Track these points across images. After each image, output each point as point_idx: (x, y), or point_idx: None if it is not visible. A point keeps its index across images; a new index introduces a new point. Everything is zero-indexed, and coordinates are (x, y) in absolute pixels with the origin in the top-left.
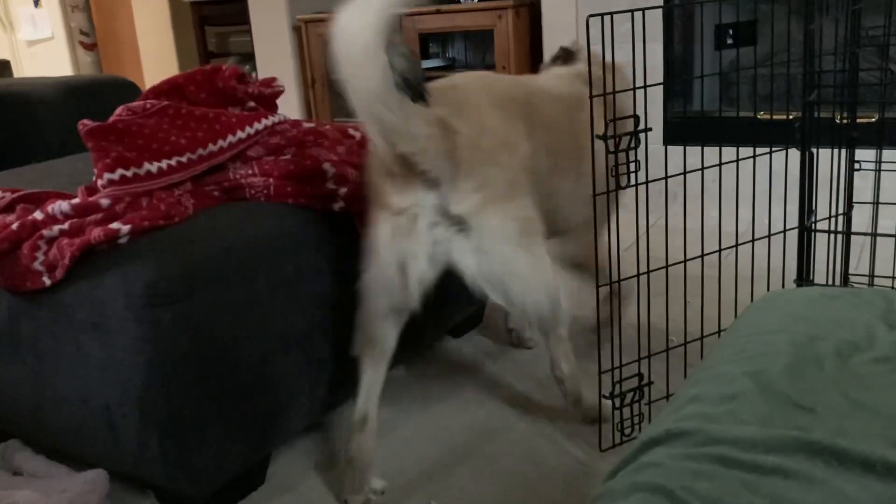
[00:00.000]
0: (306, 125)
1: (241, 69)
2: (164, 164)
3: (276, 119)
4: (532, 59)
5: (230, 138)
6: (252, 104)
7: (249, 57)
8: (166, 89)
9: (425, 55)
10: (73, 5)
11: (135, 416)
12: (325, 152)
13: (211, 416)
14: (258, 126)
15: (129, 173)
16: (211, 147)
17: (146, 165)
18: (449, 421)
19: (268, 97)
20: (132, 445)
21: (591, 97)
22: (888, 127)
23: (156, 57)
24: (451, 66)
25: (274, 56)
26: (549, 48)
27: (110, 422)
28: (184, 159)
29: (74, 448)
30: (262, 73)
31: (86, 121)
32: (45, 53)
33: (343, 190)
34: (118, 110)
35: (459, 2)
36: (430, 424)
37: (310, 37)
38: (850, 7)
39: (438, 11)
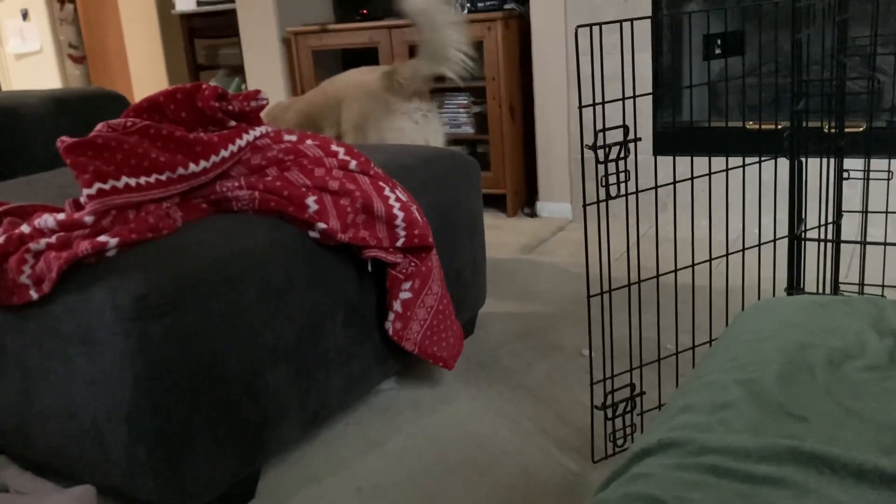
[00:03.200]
0: (287, 138)
1: (221, 88)
2: (142, 179)
3: (256, 133)
4: (521, 70)
5: (213, 158)
6: (233, 123)
7: (239, 69)
8: (146, 107)
9: None
10: (62, 18)
11: (123, 431)
12: (303, 177)
13: (200, 429)
14: (240, 142)
15: (106, 186)
16: (193, 167)
17: (124, 179)
18: (441, 433)
19: (249, 113)
20: (120, 460)
21: (581, 107)
22: (875, 136)
23: (145, 70)
24: (440, 78)
25: (263, 68)
26: (538, 59)
27: (98, 436)
28: (163, 177)
29: (62, 463)
30: (252, 85)
31: (64, 137)
32: (34, 66)
33: (321, 226)
34: (98, 126)
35: None
36: (422, 436)
37: (299, 49)
38: (836, 17)
39: None
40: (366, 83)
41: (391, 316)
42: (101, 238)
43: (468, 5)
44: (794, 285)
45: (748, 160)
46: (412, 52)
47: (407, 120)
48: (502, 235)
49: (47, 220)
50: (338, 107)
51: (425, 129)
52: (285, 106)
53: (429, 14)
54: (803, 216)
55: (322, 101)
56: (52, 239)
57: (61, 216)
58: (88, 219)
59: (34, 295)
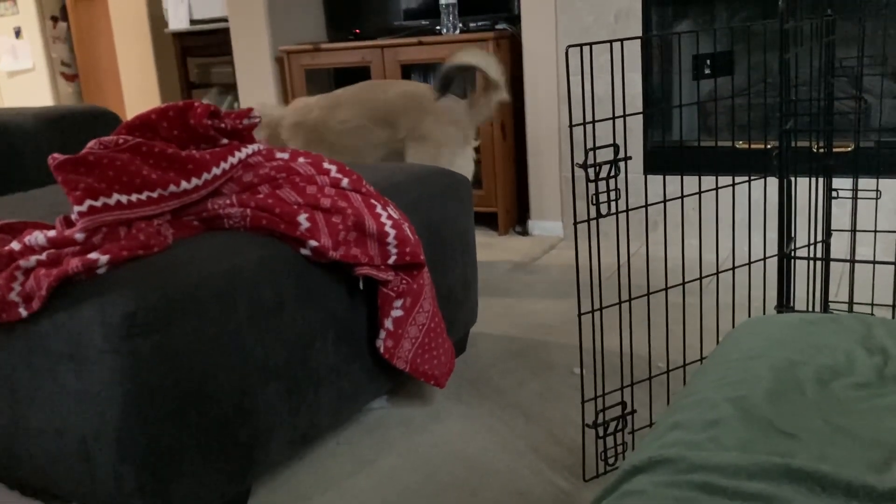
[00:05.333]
0: (279, 155)
1: (214, 106)
2: (133, 197)
3: (248, 151)
4: (513, 89)
5: (205, 176)
6: (225, 141)
7: (231, 88)
8: (139, 125)
9: None
10: (55, 36)
11: (112, 449)
12: (295, 195)
13: (189, 448)
14: (232, 160)
15: (97, 203)
16: (184, 185)
17: (116, 196)
18: (432, 451)
19: (241, 131)
20: (109, 479)
21: (572, 126)
22: (863, 156)
23: (137, 88)
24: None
25: (256, 87)
26: (530, 78)
27: (86, 455)
28: (154, 194)
29: (49, 483)
30: (245, 103)
31: (56, 154)
32: (26, 84)
33: (313, 243)
34: (90, 144)
35: (441, 33)
36: (413, 455)
37: (292, 68)
38: (823, 39)
39: (420, 43)
40: (455, 110)
41: (382, 334)
42: (92, 255)
43: (460, 25)
44: (784, 303)
45: (738, 179)
46: (404, 71)
47: (472, 151)
48: (494, 253)
49: (37, 237)
50: (422, 115)
51: (472, 163)
52: (321, 106)
53: (488, 61)
54: (793, 235)
55: (403, 104)
56: (43, 256)
57: (52, 233)
58: (79, 236)
59: (23, 312)
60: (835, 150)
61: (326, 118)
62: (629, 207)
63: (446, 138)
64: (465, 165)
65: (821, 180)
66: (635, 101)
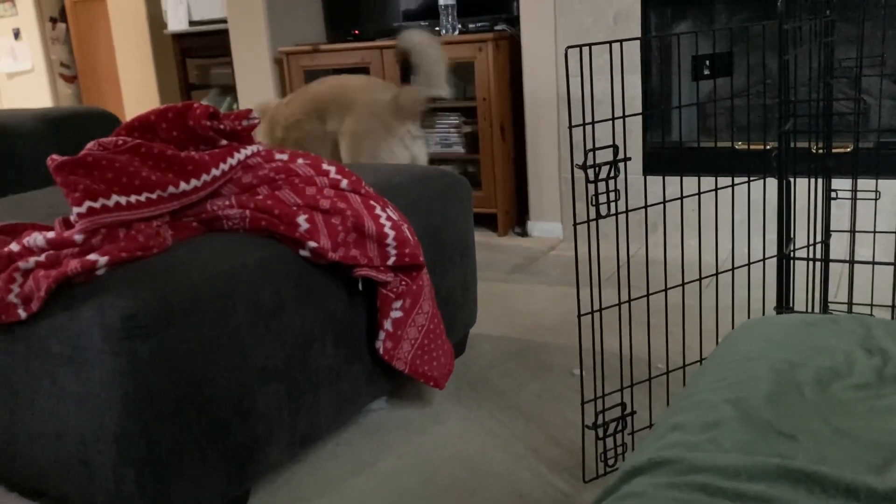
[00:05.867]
0: (278, 157)
1: (213, 107)
2: (132, 198)
3: (248, 152)
4: (512, 90)
5: (204, 177)
6: (224, 142)
7: (231, 89)
8: (138, 126)
9: None
10: (54, 38)
11: (111, 451)
12: (294, 196)
13: (189, 450)
14: (231, 161)
15: (96, 205)
16: (184, 186)
17: (115, 197)
18: (431, 453)
19: (240, 132)
20: (108, 481)
21: (571, 127)
22: (862, 157)
23: (137, 89)
24: (431, 98)
25: (255, 88)
26: (529, 79)
27: (85, 457)
28: (153, 196)
29: (48, 485)
30: (244, 105)
31: (55, 156)
32: (26, 86)
33: (312, 244)
34: (89, 145)
35: (440, 34)
36: (412, 457)
37: (291, 69)
38: (822, 40)
39: None
40: (377, 102)
41: (382, 335)
42: (91, 257)
43: (459, 27)
44: (784, 304)
45: (737, 180)
46: (403, 72)
47: (398, 143)
48: (493, 255)
49: (36, 238)
50: (346, 109)
51: (413, 150)
52: (286, 101)
53: (425, 47)
54: (792, 236)
55: (331, 97)
56: (42, 257)
57: (51, 235)
58: (78, 237)
59: (22, 314)
60: (834, 150)
61: (277, 114)
62: (629, 208)
63: (366, 131)
64: (388, 159)
65: (820, 181)
66: (635, 102)
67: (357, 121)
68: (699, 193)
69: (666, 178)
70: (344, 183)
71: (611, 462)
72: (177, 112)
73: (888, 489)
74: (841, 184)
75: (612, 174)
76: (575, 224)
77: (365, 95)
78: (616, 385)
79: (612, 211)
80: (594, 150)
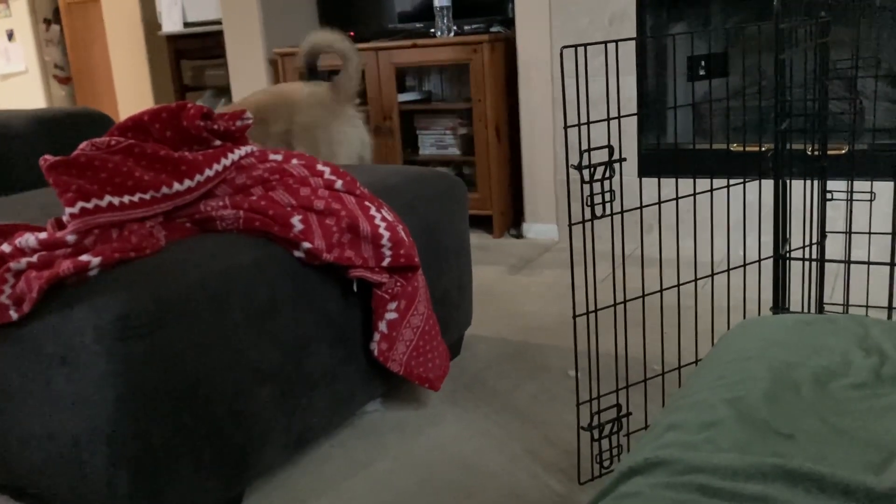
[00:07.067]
0: (272, 157)
1: (206, 107)
2: (125, 198)
3: (241, 153)
4: (507, 92)
5: (197, 178)
6: (217, 143)
7: (225, 90)
8: (131, 126)
9: (402, 89)
10: (48, 39)
11: (104, 453)
12: (288, 197)
13: (182, 451)
14: (225, 162)
15: (89, 205)
16: (177, 186)
17: (108, 197)
18: (427, 455)
19: (234, 132)
20: (101, 483)
21: (566, 127)
22: (858, 158)
23: (131, 90)
24: (427, 100)
25: (250, 89)
26: (524, 81)
27: (78, 459)
28: (147, 196)
29: (41, 487)
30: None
31: (47, 156)
32: (19, 87)
33: (306, 245)
34: (82, 145)
35: (435, 36)
36: (408, 458)
37: (286, 70)
38: (818, 41)
39: (415, 45)
40: (316, 94)
41: (377, 336)
42: (84, 257)
43: (455, 28)
44: (780, 304)
45: (732, 181)
46: (399, 73)
47: (347, 123)
48: (488, 256)
49: (28, 239)
50: (290, 108)
51: (359, 131)
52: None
53: (338, 44)
54: (788, 236)
55: (272, 103)
56: (34, 258)
57: (43, 235)
58: (71, 238)
59: (14, 315)
60: (829, 152)
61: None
62: (624, 209)
63: (316, 119)
64: (342, 140)
65: (815, 182)
66: (630, 103)
67: (305, 114)
68: (694, 194)
69: (661, 179)
70: (339, 184)
71: (606, 463)
72: (170, 112)
73: (886, 489)
74: (836, 185)
75: (607, 175)
76: (570, 225)
77: (303, 91)
78: (612, 386)
79: (608, 212)
80: (589, 150)
